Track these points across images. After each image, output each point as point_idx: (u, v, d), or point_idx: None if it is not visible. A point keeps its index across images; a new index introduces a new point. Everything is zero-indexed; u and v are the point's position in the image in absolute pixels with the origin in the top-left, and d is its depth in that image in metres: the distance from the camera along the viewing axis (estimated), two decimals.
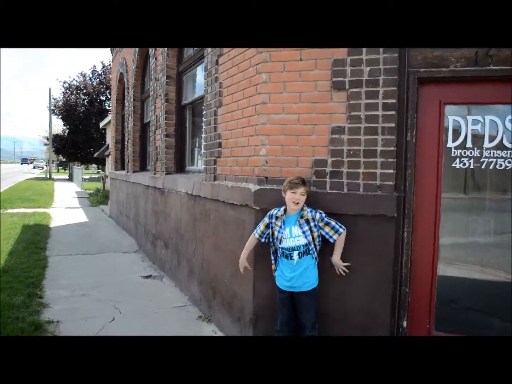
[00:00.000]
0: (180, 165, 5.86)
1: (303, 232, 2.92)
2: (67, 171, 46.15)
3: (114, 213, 10.79)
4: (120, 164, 10.27)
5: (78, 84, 30.40)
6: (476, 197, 3.15)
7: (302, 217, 2.92)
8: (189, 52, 5.53)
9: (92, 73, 30.85)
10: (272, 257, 3.11)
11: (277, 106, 3.17)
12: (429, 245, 3.11)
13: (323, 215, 2.94)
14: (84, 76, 30.73)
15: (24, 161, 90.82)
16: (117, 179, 10.16)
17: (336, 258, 2.99)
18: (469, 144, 3.05)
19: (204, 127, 4.32)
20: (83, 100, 30.45)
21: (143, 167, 8.19)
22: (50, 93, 31.53)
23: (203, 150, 4.41)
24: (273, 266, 3.12)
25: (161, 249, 6.05)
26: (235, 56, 3.62)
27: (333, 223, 2.93)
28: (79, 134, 30.27)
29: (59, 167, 57.48)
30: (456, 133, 3.07)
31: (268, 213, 3.06)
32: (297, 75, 3.12)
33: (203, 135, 4.39)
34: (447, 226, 3.11)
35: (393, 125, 2.95)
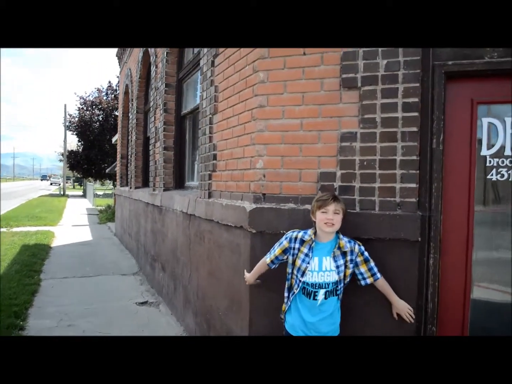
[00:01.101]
0: (179, 181, 5.41)
1: (337, 267, 2.31)
2: (82, 187, 46.39)
3: (119, 231, 10.38)
4: (126, 180, 9.90)
5: (93, 100, 30.60)
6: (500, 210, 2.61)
7: (339, 247, 2.33)
8: (188, 57, 5.12)
9: (107, 89, 31.01)
10: (286, 294, 2.47)
11: (277, 109, 2.69)
12: (460, 275, 2.56)
13: (362, 248, 2.39)
14: (99, 91, 30.94)
15: (44, 177, 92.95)
16: (121, 195, 9.78)
17: (398, 301, 2.42)
18: (508, 151, 2.51)
19: (199, 137, 3.86)
20: (98, 115, 30.63)
21: (145, 183, 7.77)
22: (65, 109, 31.84)
23: (198, 164, 3.94)
24: (284, 307, 2.47)
25: (159, 272, 5.56)
26: (231, 54, 3.17)
27: (372, 263, 2.39)
28: (93, 150, 30.34)
29: (75, 183, 57.93)
30: (492, 138, 2.54)
31: (288, 235, 2.42)
32: (300, 72, 2.64)
33: (198, 147, 3.93)
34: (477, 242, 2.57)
35: (415, 129, 2.43)
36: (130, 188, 8.30)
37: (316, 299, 2.32)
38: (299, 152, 2.64)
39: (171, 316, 4.79)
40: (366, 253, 2.38)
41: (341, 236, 2.36)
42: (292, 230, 2.43)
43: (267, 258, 2.49)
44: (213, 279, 3.47)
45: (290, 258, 2.40)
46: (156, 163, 5.81)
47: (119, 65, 11.01)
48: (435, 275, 2.50)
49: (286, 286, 2.46)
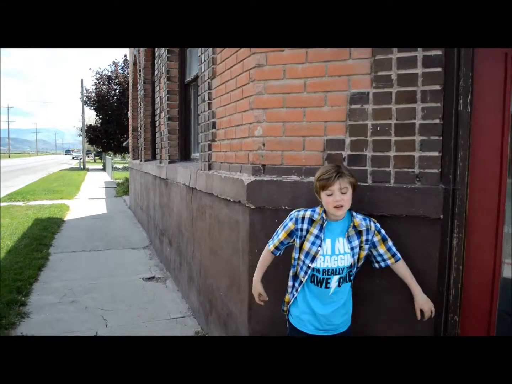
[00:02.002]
0: (184, 152, 5.13)
1: (351, 249, 2.00)
2: (102, 161, 46.80)
3: (133, 205, 10.27)
4: (137, 152, 9.69)
5: (109, 74, 30.34)
6: None
7: (354, 226, 2.00)
8: None
9: (123, 62, 30.62)
10: (290, 283, 2.13)
11: (277, 69, 2.35)
12: (488, 257, 2.23)
13: (378, 225, 2.06)
14: (116, 65, 30.63)
15: (68, 152, 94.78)
16: (133, 168, 9.61)
17: (421, 295, 2.07)
18: None
19: (199, 104, 3.55)
20: (115, 90, 30.41)
21: (154, 156, 7.54)
22: (82, 83, 31.73)
23: (199, 133, 3.64)
24: (288, 297, 2.14)
25: (167, 246, 5.37)
26: None
27: (390, 242, 2.07)
28: (112, 124, 30.31)
29: (96, 157, 58.49)
30: None
31: (292, 215, 2.07)
32: None
33: (198, 115, 3.62)
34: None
35: (438, 87, 2.07)
36: (141, 161, 8.09)
37: (328, 287, 2.01)
38: (302, 117, 2.31)
39: (177, 293, 4.62)
40: (383, 231, 2.06)
41: (354, 213, 2.04)
42: (297, 209, 2.09)
43: (270, 245, 2.15)
44: (214, 256, 3.23)
45: (298, 241, 2.05)
46: (162, 135, 5.54)
47: None
48: (459, 258, 2.18)
49: (290, 274, 2.14)
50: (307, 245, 2.02)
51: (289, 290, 2.14)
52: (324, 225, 2.00)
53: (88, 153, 63.83)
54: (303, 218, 2.04)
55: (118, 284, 4.89)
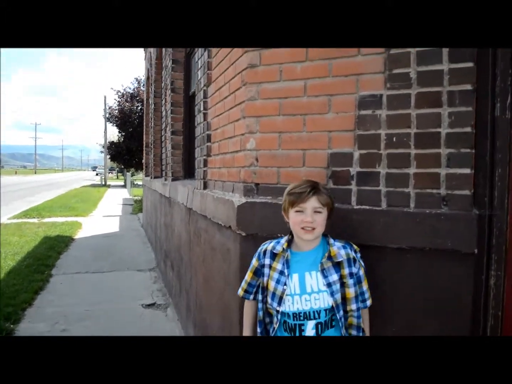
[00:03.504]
0: (188, 169, 4.79)
1: (328, 285, 1.59)
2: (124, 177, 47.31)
3: (145, 223, 10.00)
4: (149, 169, 9.47)
5: (132, 92, 30.74)
6: None
7: (329, 256, 1.61)
8: None
9: (145, 80, 30.98)
10: (258, 330, 1.73)
11: (272, 69, 1.97)
12: None
13: (359, 255, 1.66)
14: (138, 82, 31.02)
15: (95, 168, 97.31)
16: (145, 185, 9.37)
17: None
18: None
19: (196, 115, 3.21)
20: (137, 107, 30.76)
21: (162, 173, 7.26)
22: (105, 101, 32.24)
23: (195, 148, 3.29)
24: None
25: (169, 270, 5.01)
26: None
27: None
28: (133, 141, 30.56)
29: (119, 174, 59.28)
30: None
31: (258, 250, 1.76)
32: None
33: (195, 127, 3.28)
34: None
35: (469, 87, 1.65)
36: (151, 178, 7.83)
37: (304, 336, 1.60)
38: (302, 126, 1.92)
39: (177, 323, 4.22)
40: (362, 263, 1.65)
41: (331, 240, 1.64)
42: (265, 242, 1.73)
43: (239, 290, 1.81)
44: (207, 288, 2.83)
45: (264, 280, 1.69)
46: (166, 150, 5.24)
47: (144, 51, 10.55)
48: (498, 301, 1.72)
49: (257, 318, 1.74)
50: (271, 284, 1.65)
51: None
52: (288, 257, 1.63)
53: (111, 169, 64.85)
54: (264, 252, 1.71)
55: (116, 311, 4.53)
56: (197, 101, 3.13)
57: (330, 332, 1.61)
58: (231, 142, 2.28)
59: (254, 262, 1.75)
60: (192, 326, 3.43)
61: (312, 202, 1.57)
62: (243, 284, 1.79)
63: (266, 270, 1.69)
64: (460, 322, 1.69)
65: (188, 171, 4.78)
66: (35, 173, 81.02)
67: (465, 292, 1.68)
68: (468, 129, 1.67)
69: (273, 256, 1.68)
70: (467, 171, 1.68)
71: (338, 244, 1.64)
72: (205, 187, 2.91)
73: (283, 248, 1.66)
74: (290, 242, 1.69)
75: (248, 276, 1.77)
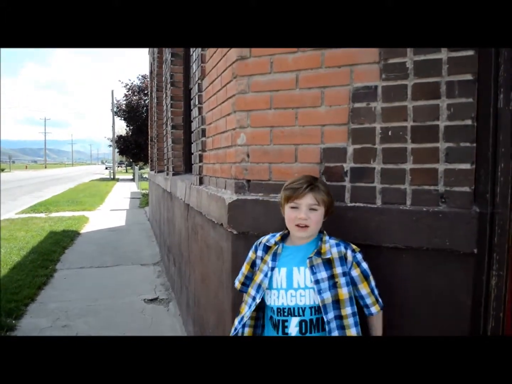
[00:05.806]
0: (189, 164, 4.72)
1: (316, 282, 1.51)
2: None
3: (151, 217, 10.00)
4: (153, 163, 9.44)
5: (140, 85, 30.68)
6: None
7: (319, 252, 1.54)
8: None
9: (150, 74, 30.87)
10: (252, 325, 1.69)
11: (262, 60, 1.89)
12: None
13: (359, 255, 1.56)
14: (145, 77, 30.94)
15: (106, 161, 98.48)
16: (150, 179, 9.35)
17: None
18: None
19: (192, 109, 3.14)
20: (145, 101, 30.72)
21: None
22: (112, 95, 32.24)
23: (192, 142, 3.22)
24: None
25: (172, 265, 4.97)
26: None
27: (373, 280, 1.57)
28: (141, 135, 30.56)
29: (128, 167, 59.53)
30: None
31: (255, 243, 1.72)
32: None
33: (191, 121, 3.21)
34: None
35: (469, 77, 1.55)
36: (155, 172, 7.80)
37: (286, 333, 1.54)
38: (294, 121, 1.84)
39: (178, 318, 4.19)
40: (364, 264, 1.56)
41: (326, 237, 1.57)
42: (266, 235, 1.69)
43: (236, 282, 1.76)
44: (204, 286, 2.78)
45: (255, 271, 1.69)
46: (167, 144, 5.18)
47: None
48: (499, 303, 1.63)
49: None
50: (259, 276, 1.62)
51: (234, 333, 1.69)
52: (278, 251, 1.60)
53: (121, 163, 65.07)
54: (259, 244, 1.69)
55: (117, 306, 4.52)
56: (192, 95, 3.06)
57: (318, 335, 1.53)
58: (223, 137, 2.20)
59: (251, 254, 1.73)
60: (191, 322, 3.39)
61: (307, 199, 1.52)
62: (240, 277, 1.75)
63: (258, 262, 1.67)
64: (459, 324, 1.61)
65: (189, 166, 4.71)
66: (45, 167, 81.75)
67: (464, 293, 1.59)
68: (469, 122, 1.57)
69: (266, 249, 1.66)
70: (467, 166, 1.58)
71: (332, 241, 1.57)
72: (200, 183, 2.85)
73: (275, 242, 1.63)
74: (285, 236, 1.65)
75: (245, 268, 1.74)
